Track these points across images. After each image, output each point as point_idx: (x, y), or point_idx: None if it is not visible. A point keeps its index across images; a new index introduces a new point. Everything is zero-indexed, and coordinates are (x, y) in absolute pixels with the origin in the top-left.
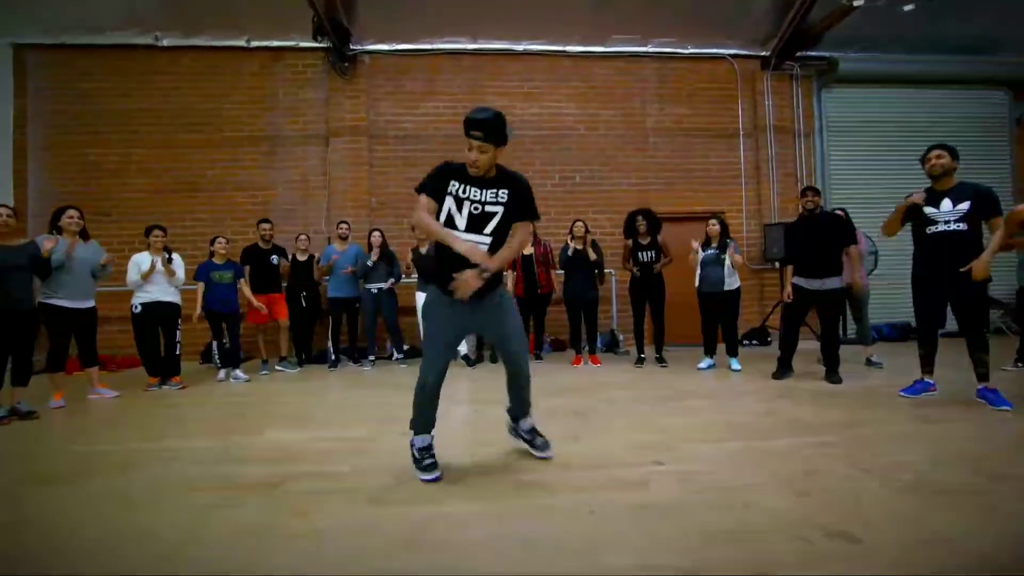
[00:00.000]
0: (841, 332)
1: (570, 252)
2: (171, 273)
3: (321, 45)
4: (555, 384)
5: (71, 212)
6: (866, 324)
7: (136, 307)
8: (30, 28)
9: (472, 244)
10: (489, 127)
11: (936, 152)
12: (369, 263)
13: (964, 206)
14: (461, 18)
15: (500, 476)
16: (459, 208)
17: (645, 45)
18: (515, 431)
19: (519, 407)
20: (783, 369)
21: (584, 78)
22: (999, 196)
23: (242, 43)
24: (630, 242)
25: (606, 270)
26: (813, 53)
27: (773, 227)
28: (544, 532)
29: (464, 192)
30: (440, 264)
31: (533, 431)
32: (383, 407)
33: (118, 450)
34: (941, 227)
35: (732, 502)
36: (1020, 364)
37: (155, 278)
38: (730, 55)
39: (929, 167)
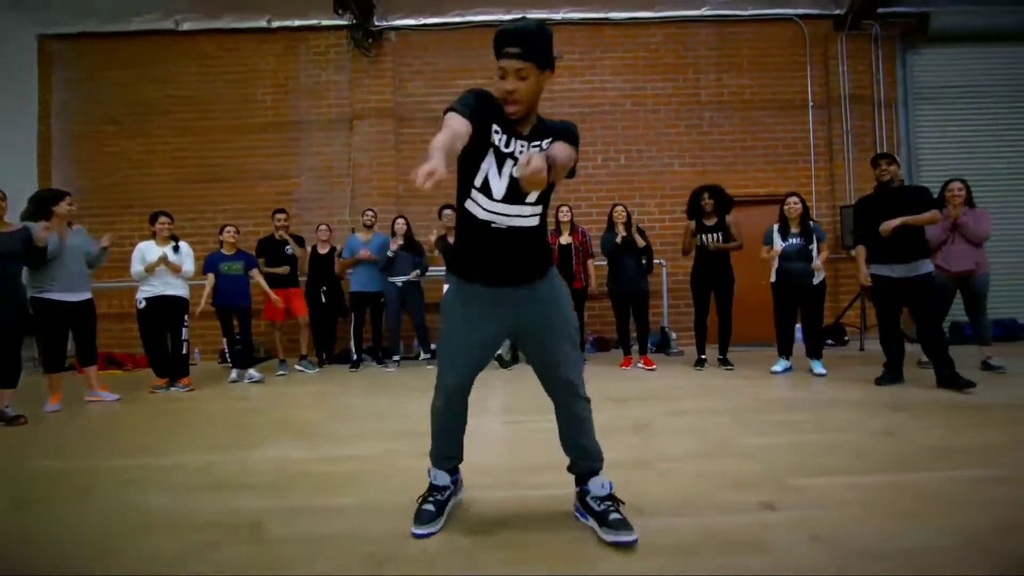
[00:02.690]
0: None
1: (618, 239)
2: (175, 269)
3: (343, 22)
4: (604, 391)
5: (67, 199)
6: (985, 320)
7: (140, 302)
8: (54, 18)
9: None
10: (531, 40)
11: None
12: (390, 253)
13: None
14: None
15: (550, 525)
16: (499, 167)
17: (700, 8)
18: (582, 505)
19: (581, 456)
20: (890, 375)
21: (630, 48)
22: None
23: (263, 23)
24: (693, 223)
25: (655, 260)
26: (899, 9)
27: (849, 210)
28: None
29: (508, 146)
30: (460, 244)
31: (611, 499)
32: (405, 416)
33: (87, 468)
34: None
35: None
36: None
37: (159, 271)
38: (798, 15)
39: None
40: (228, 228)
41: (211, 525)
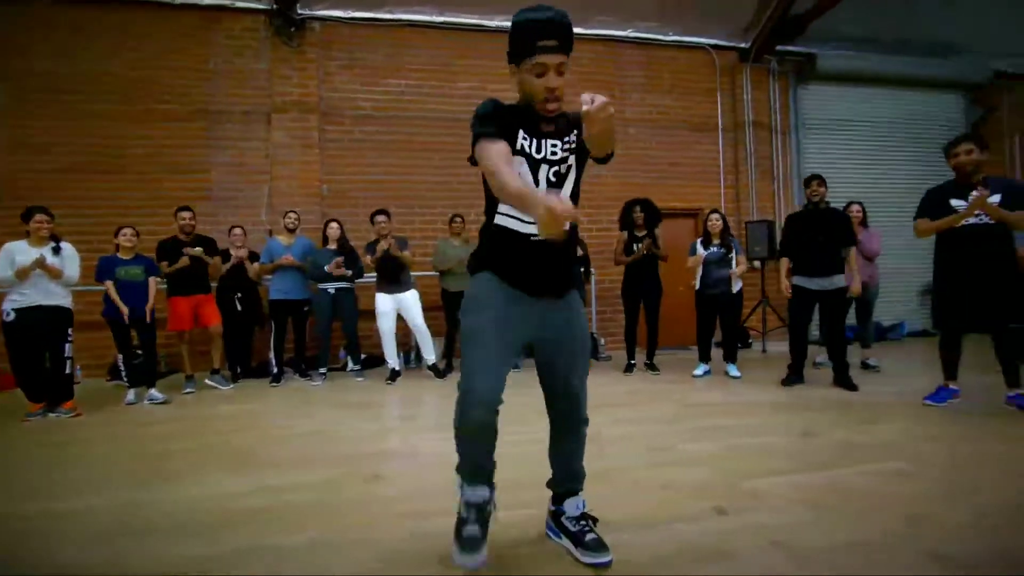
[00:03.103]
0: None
1: None
2: (56, 274)
3: (262, 7)
4: (540, 397)
5: None
6: (870, 326)
7: (8, 313)
8: None
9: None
10: (567, 31)
11: (965, 147)
12: (327, 267)
13: (995, 199)
14: None
15: (527, 543)
16: (535, 174)
17: (626, 29)
18: (556, 524)
19: (568, 478)
20: (794, 376)
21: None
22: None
23: None
24: (625, 234)
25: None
26: (792, 48)
27: (753, 225)
28: None
29: (540, 149)
30: (496, 256)
31: (585, 518)
32: (347, 438)
33: None
34: (970, 220)
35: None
36: None
37: (35, 277)
38: (711, 44)
39: (956, 163)
40: (125, 230)
41: None
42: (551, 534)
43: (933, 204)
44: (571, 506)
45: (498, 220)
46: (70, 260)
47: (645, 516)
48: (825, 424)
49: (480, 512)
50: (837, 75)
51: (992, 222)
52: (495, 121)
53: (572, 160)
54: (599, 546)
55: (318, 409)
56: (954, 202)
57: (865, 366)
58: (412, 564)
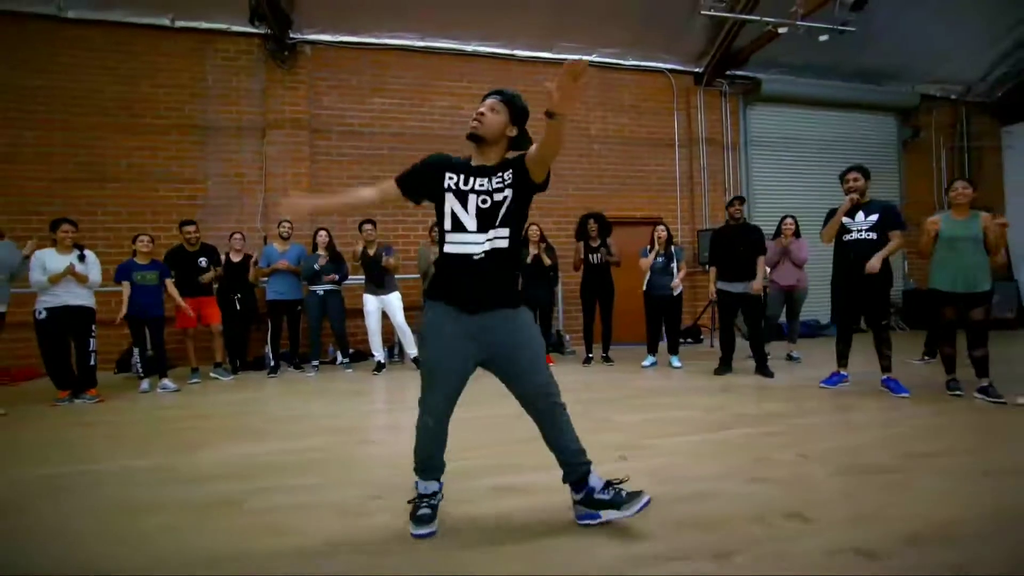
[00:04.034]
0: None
1: (529, 259)
2: (82, 279)
3: (258, 31)
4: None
5: None
6: (796, 324)
7: (40, 312)
8: None
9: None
10: (511, 97)
11: (853, 175)
12: (317, 266)
13: (874, 218)
14: (409, 13)
15: (478, 477)
16: (463, 204)
17: (590, 55)
18: (590, 506)
19: (575, 458)
20: (723, 366)
21: (531, 83)
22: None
23: (165, 22)
24: (581, 244)
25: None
26: (740, 73)
27: (705, 233)
28: (524, 522)
29: (467, 183)
30: (442, 278)
31: (609, 485)
32: (339, 416)
33: (37, 476)
34: (855, 235)
35: (697, 492)
36: (927, 358)
37: (63, 281)
38: (667, 69)
39: (847, 187)
40: (142, 237)
41: (198, 506)
42: (588, 520)
43: (830, 218)
44: (594, 480)
45: (446, 248)
46: (94, 266)
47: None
48: (732, 402)
49: (431, 499)
50: (780, 97)
51: (874, 238)
52: (419, 173)
53: (508, 192)
54: (633, 496)
55: (313, 395)
56: (845, 219)
57: (789, 358)
58: (393, 495)
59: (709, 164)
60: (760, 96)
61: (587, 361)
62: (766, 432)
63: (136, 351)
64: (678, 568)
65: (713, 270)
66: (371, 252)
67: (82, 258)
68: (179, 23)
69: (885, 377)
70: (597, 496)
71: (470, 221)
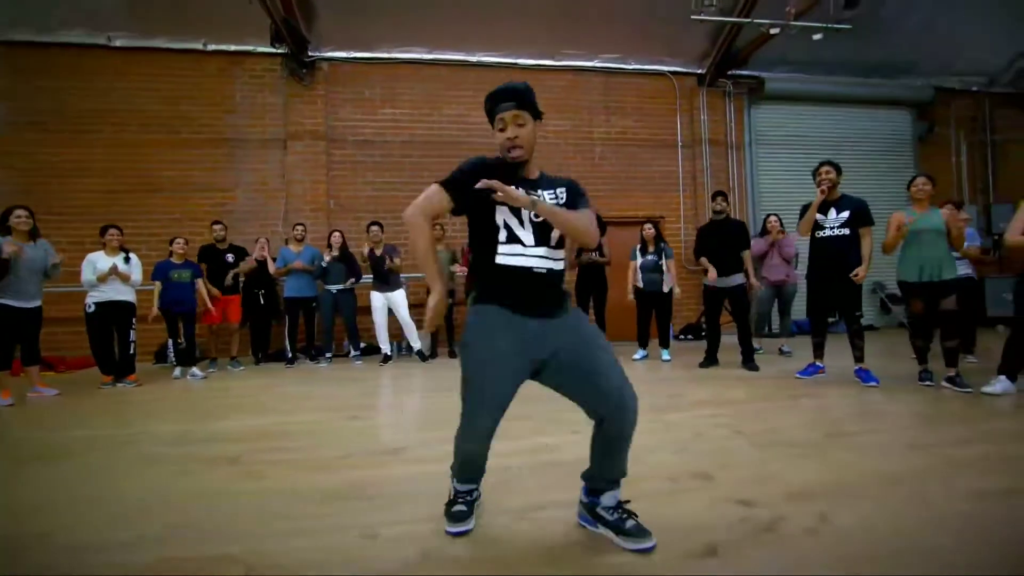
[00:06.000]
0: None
1: None
2: (125, 278)
3: (279, 51)
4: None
5: (19, 212)
6: (787, 319)
7: (90, 306)
8: None
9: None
10: (521, 94)
11: (825, 168)
12: (323, 263)
13: (845, 215)
14: (418, 29)
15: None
16: (519, 217)
17: (592, 60)
18: (591, 514)
19: (610, 470)
20: (708, 360)
21: (537, 90)
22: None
23: (199, 46)
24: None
25: None
26: (743, 72)
27: None
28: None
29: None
30: (497, 279)
31: (620, 508)
32: (337, 397)
33: (84, 436)
34: (828, 231)
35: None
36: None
37: (110, 279)
38: (670, 71)
39: (818, 180)
40: (178, 240)
41: (203, 459)
42: (585, 523)
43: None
44: (609, 498)
45: (500, 260)
46: (136, 267)
47: (536, 436)
48: (697, 389)
49: (467, 495)
50: (786, 95)
51: (847, 233)
52: (467, 176)
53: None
54: (640, 532)
55: (320, 382)
56: (818, 216)
57: (781, 352)
58: (360, 456)
59: (712, 164)
60: (764, 95)
61: None
62: (712, 414)
63: (171, 342)
64: (567, 514)
65: (704, 259)
66: (378, 252)
67: (127, 260)
68: (211, 46)
69: (857, 368)
70: (600, 511)
71: (527, 235)
